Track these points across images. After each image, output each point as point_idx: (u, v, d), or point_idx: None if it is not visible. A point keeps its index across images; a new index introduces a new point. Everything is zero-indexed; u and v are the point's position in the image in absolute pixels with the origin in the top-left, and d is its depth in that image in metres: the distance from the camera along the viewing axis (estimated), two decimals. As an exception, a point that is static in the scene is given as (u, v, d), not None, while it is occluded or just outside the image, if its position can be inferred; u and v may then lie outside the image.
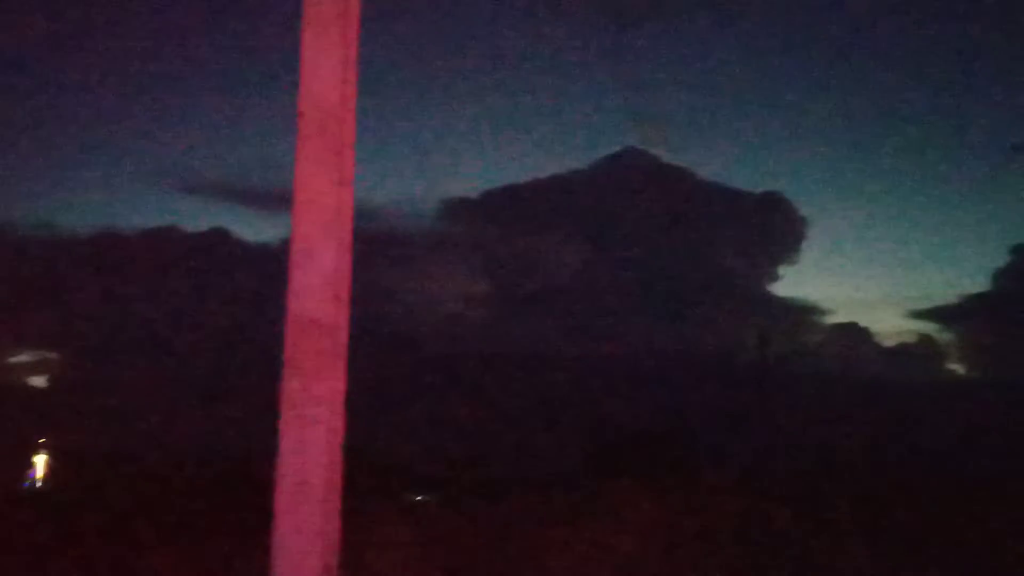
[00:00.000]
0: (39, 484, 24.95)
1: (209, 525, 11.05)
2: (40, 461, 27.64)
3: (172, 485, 13.71)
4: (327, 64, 4.07)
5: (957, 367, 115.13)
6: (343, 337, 4.09)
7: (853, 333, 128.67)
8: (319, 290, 4.01)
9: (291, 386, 3.98)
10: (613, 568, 9.46)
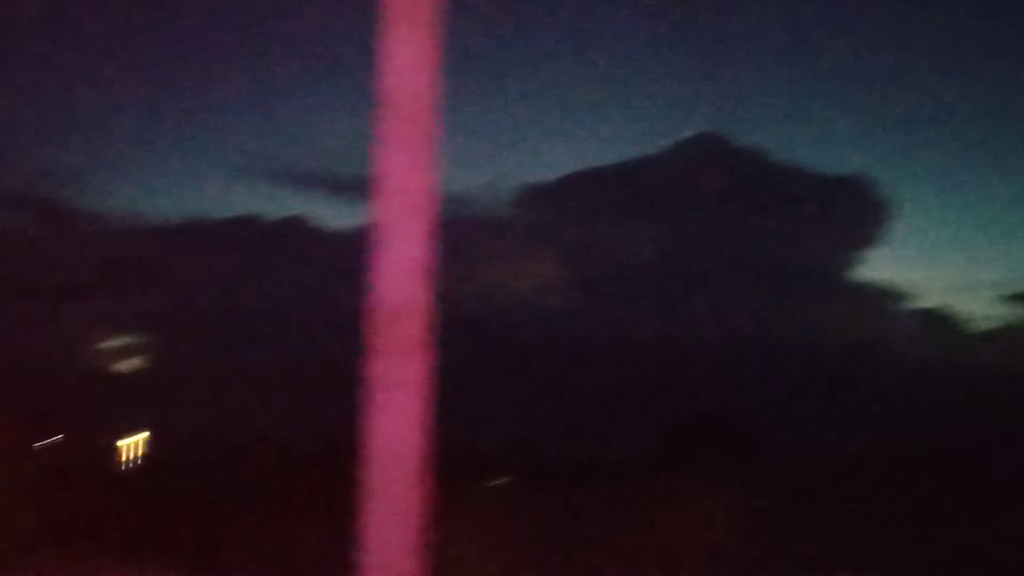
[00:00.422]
0: (136, 464, 25.76)
1: (298, 507, 11.31)
2: (136, 442, 28.51)
3: (261, 467, 14.05)
4: (409, 48, 4.10)
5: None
6: (426, 322, 4.14)
7: (942, 318, 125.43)
8: (402, 275, 4.06)
9: (376, 371, 4.04)
10: (690, 554, 9.41)
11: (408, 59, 4.13)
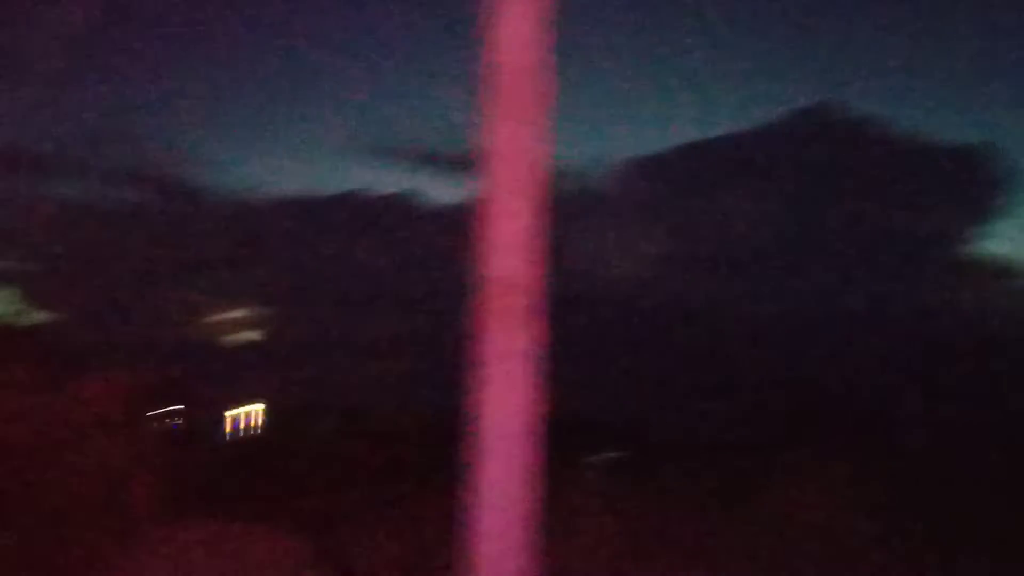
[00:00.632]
0: (252, 434, 26.56)
1: (409, 478, 11.51)
2: (252, 412, 29.40)
3: (371, 439, 14.33)
4: (521, 21, 4.07)
5: None
6: (537, 294, 4.13)
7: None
8: (514, 248, 4.06)
9: (490, 342, 4.06)
10: (804, 538, 9.23)
11: (521, 29, 4.10)
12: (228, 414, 28.20)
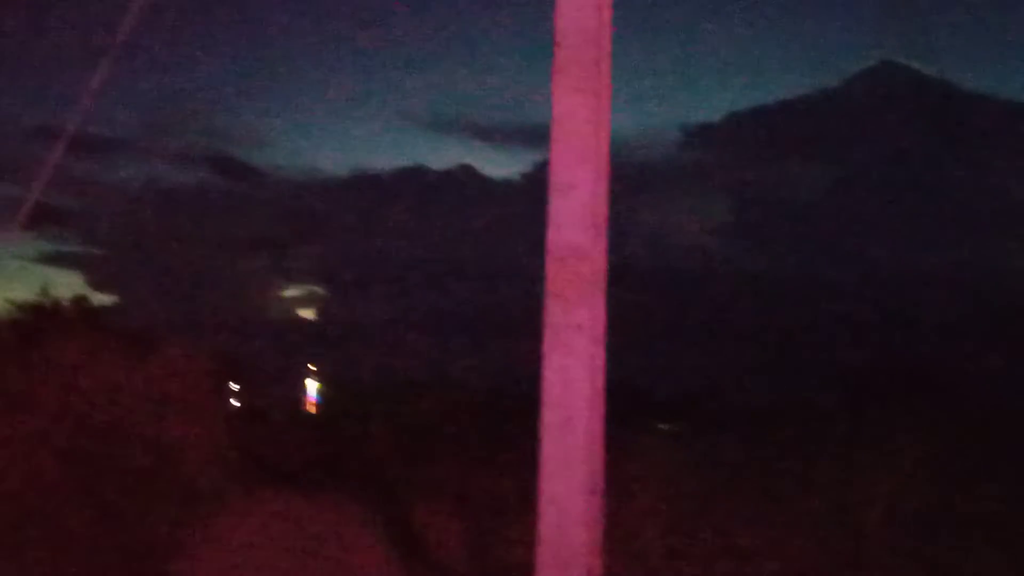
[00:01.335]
0: (312, 409, 26.94)
1: (475, 450, 11.58)
2: (311, 386, 29.84)
3: (438, 411, 14.44)
4: (582, -8, 4.02)
5: None
6: (602, 265, 4.12)
7: None
8: (578, 219, 4.04)
9: (553, 314, 4.06)
10: (876, 506, 9.11)
11: (583, 4, 4.05)
12: (307, 386, 28.64)
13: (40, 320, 12.53)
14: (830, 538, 9.14)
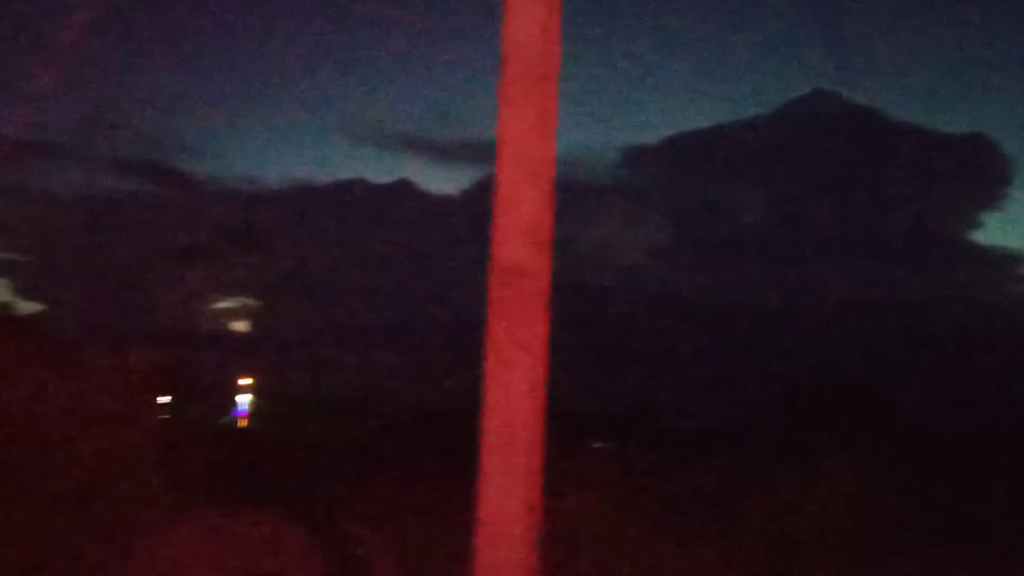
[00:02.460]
0: (243, 422, 26.58)
1: (413, 465, 11.52)
2: (244, 400, 29.45)
3: (371, 425, 14.34)
4: (532, 10, 4.03)
5: None
6: (545, 283, 4.12)
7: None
8: (523, 236, 4.04)
9: (496, 331, 4.05)
10: (807, 526, 9.25)
11: (531, 18, 4.05)
12: (237, 399, 28.24)
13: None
14: (759, 554, 9.26)
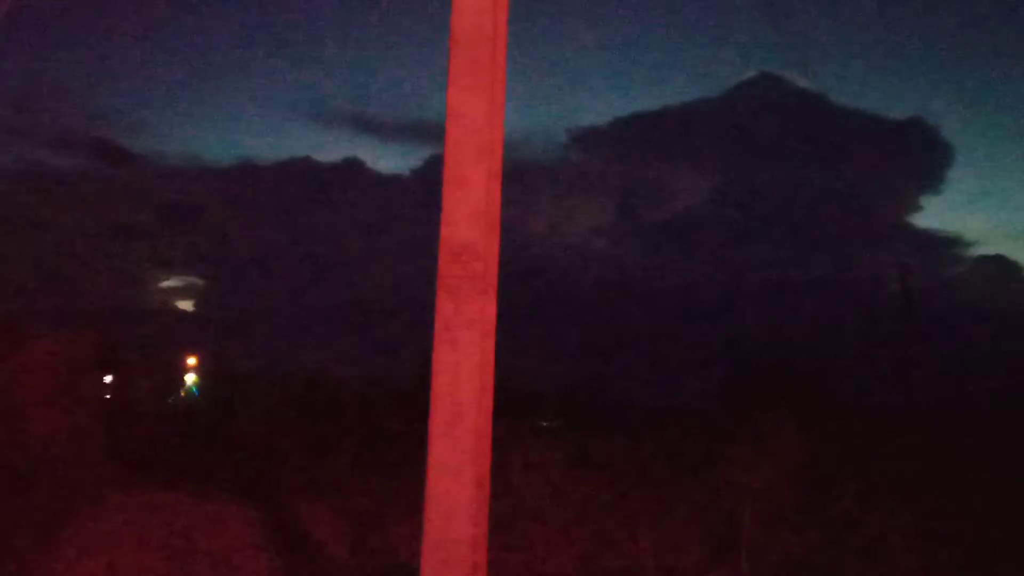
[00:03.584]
0: (187, 400, 26.29)
1: (360, 443, 11.50)
2: (188, 379, 29.15)
3: (319, 405, 14.27)
4: (479, -9, 4.04)
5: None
6: (493, 262, 4.15)
7: (1000, 266, 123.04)
8: (472, 216, 4.07)
9: (445, 310, 4.08)
10: (752, 501, 9.42)
11: (480, 4, 4.07)
12: (184, 377, 27.94)
13: None
14: (703, 531, 9.42)
